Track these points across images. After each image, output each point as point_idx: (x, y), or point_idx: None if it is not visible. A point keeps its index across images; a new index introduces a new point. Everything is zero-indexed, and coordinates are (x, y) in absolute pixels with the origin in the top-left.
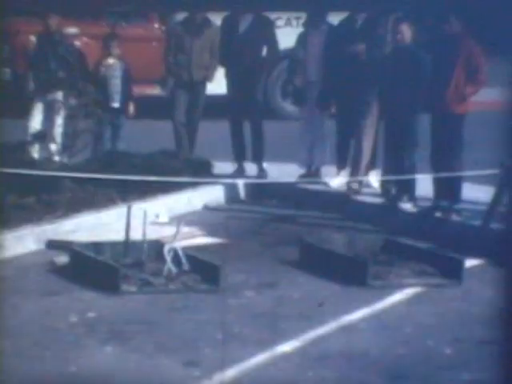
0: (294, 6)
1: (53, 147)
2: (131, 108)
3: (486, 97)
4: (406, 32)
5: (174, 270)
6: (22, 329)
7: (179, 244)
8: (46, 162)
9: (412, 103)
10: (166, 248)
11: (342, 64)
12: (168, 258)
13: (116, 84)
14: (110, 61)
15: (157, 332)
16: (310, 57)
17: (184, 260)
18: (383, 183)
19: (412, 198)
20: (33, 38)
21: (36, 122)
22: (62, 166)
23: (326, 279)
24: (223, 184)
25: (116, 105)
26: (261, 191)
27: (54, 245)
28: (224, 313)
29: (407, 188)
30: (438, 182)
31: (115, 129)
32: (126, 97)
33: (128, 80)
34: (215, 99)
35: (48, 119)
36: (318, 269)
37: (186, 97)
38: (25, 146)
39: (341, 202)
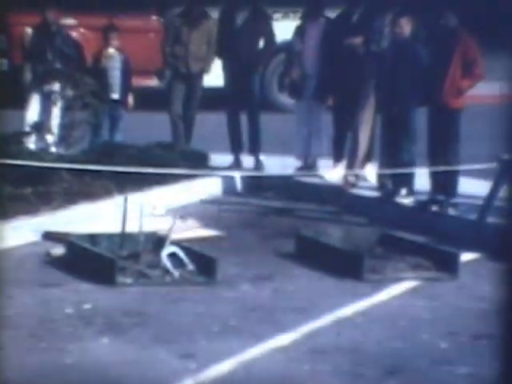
0: (292, 1)
1: (50, 138)
2: (130, 100)
3: (483, 91)
4: (406, 26)
5: (176, 273)
6: (17, 320)
7: (175, 241)
8: (43, 153)
9: (411, 97)
10: (165, 253)
11: (339, 57)
12: (168, 263)
13: (116, 75)
14: (111, 52)
15: (153, 324)
16: (307, 49)
17: (187, 261)
18: (380, 177)
19: (411, 192)
20: (30, 29)
21: (33, 113)
22: (59, 158)
23: (322, 272)
24: (220, 176)
25: (115, 96)
26: (257, 184)
27: (50, 236)
28: (220, 305)
29: (405, 182)
30: (434, 176)
31: (114, 120)
32: (126, 88)
33: (128, 72)
34: (212, 91)
35: (45, 110)
36: (315, 262)
37: (183, 89)
38: (22, 137)
39: (337, 195)
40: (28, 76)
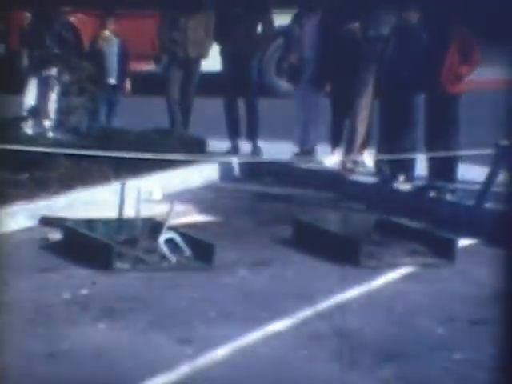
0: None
1: (46, 123)
2: (127, 85)
3: (481, 76)
4: (413, 13)
5: (173, 259)
6: (14, 305)
7: (172, 227)
8: (40, 138)
9: (414, 82)
10: (162, 239)
11: (337, 43)
12: (165, 249)
13: (113, 60)
14: (108, 35)
15: (150, 309)
16: (305, 34)
17: (185, 247)
18: (377, 163)
19: (410, 178)
20: (28, 14)
21: (30, 98)
22: (56, 143)
23: (319, 258)
24: (217, 162)
25: (113, 81)
26: (255, 170)
27: (47, 221)
28: (217, 291)
29: (405, 168)
30: (432, 162)
31: (110, 105)
32: (123, 73)
33: (125, 56)
34: (210, 76)
35: (42, 95)
36: (312, 248)
37: (181, 74)
38: (19, 122)
39: (335, 181)
40: (25, 61)
